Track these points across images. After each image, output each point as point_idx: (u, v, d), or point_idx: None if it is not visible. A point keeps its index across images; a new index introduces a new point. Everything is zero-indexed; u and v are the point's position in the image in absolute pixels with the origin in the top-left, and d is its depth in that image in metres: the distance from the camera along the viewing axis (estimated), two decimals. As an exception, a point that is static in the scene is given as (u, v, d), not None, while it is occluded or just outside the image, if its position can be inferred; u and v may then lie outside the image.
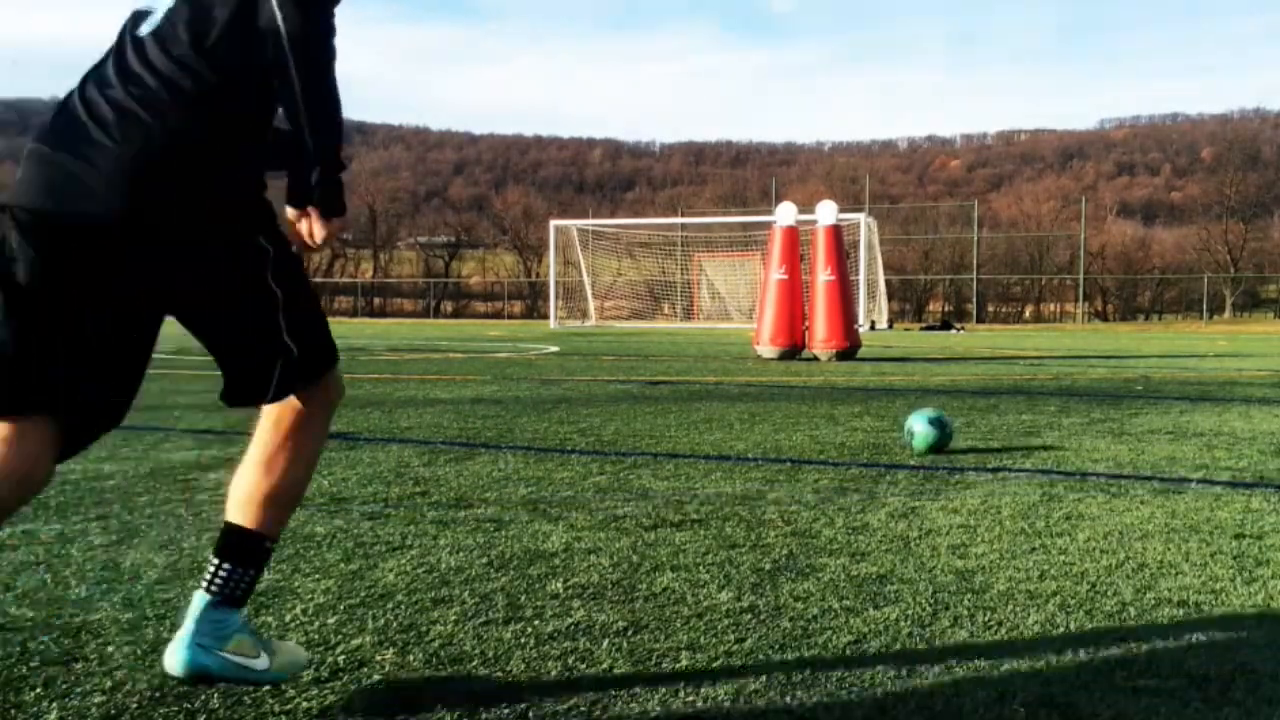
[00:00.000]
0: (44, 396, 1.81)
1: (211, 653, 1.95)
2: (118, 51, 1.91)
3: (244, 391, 2.01)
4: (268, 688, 2.06)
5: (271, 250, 1.95)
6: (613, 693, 2.08)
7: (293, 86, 1.85)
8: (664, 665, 2.22)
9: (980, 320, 48.62)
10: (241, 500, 2.03)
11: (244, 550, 2.01)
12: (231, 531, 2.02)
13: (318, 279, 78.13)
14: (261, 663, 1.98)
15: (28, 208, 1.81)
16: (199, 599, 1.99)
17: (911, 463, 4.90)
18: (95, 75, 1.90)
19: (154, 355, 2.03)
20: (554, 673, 2.18)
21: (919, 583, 2.86)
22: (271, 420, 2.05)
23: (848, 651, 2.31)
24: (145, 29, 1.90)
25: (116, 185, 1.80)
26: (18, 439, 1.80)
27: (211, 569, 2.00)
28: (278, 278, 1.96)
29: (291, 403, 2.03)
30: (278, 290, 1.96)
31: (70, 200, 1.80)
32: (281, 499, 2.05)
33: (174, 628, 2.41)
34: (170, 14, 1.88)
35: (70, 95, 1.90)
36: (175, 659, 1.95)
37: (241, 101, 1.90)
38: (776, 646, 2.34)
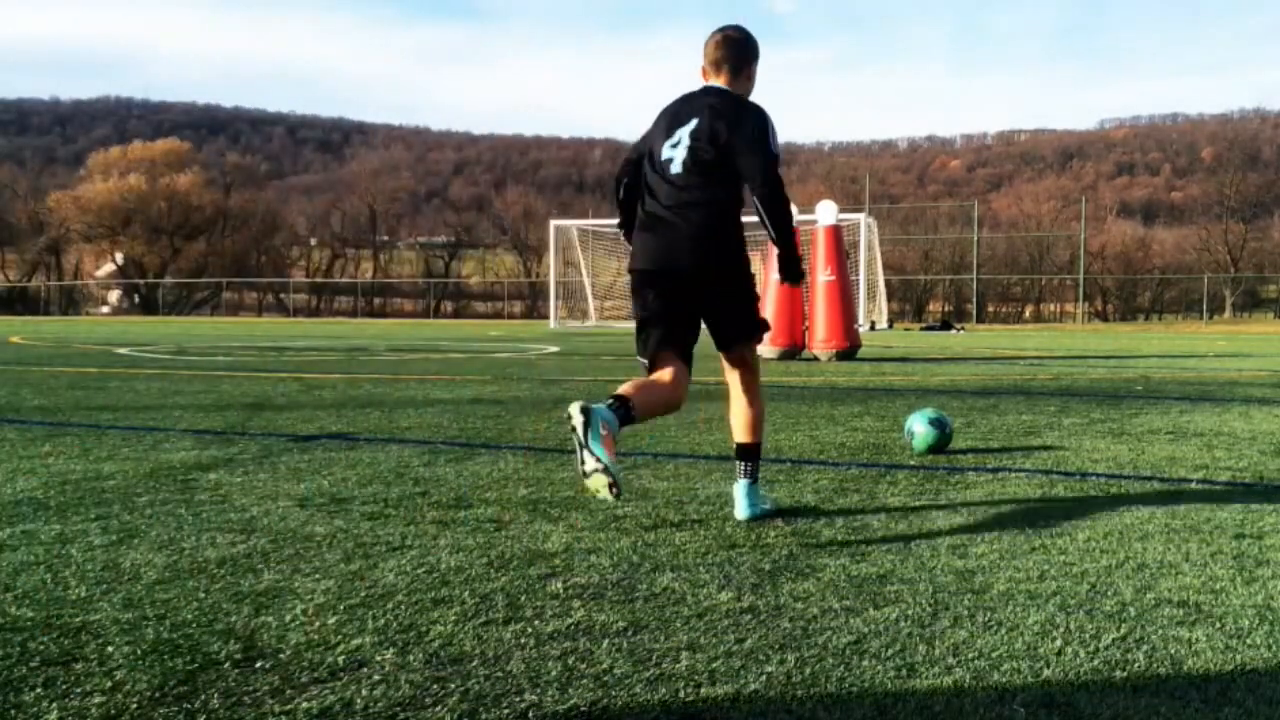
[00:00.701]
0: (683, 350, 3.59)
1: (760, 505, 3.68)
2: (662, 180, 3.61)
3: (732, 343, 3.74)
4: (267, 687, 2.07)
5: (750, 284, 3.70)
6: (613, 693, 2.08)
7: (766, 221, 3.55)
8: (664, 665, 2.22)
9: (980, 320, 48.63)
10: (740, 426, 3.73)
11: (751, 453, 3.70)
12: (741, 446, 3.71)
13: (318, 279, 78.21)
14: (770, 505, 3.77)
15: (642, 269, 3.64)
16: (742, 485, 3.66)
17: (911, 463, 4.90)
18: (652, 194, 3.63)
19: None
20: (554, 673, 2.18)
21: (919, 583, 2.85)
22: (738, 382, 3.75)
23: (848, 651, 2.31)
24: (674, 170, 3.59)
25: (686, 253, 3.55)
26: (684, 370, 3.58)
27: (743, 467, 3.67)
28: (755, 300, 3.75)
29: (746, 366, 3.75)
30: (758, 310, 3.76)
31: (663, 261, 3.58)
32: (757, 421, 3.73)
33: (174, 628, 2.42)
34: (686, 166, 3.57)
35: (644, 204, 3.66)
36: (742, 511, 3.63)
37: (733, 211, 3.62)
38: (776, 646, 2.33)
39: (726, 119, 3.53)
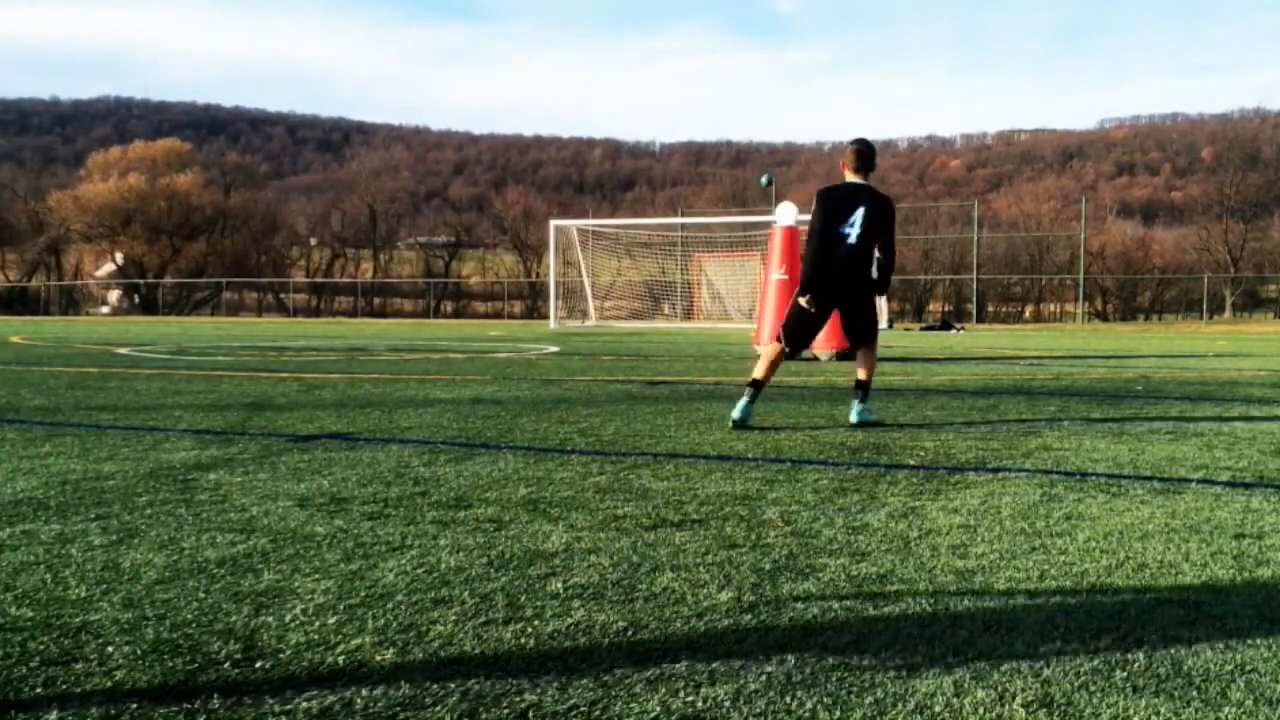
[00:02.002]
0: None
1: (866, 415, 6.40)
2: (841, 243, 6.22)
3: (860, 341, 6.51)
4: (267, 687, 2.08)
5: (872, 299, 6.56)
6: (613, 693, 2.08)
7: (885, 268, 6.37)
8: (664, 665, 2.22)
9: (980, 320, 48.62)
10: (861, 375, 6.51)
11: (865, 389, 6.50)
12: (859, 383, 6.49)
13: (318, 279, 78.21)
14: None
15: (818, 290, 6.34)
16: (856, 405, 6.41)
17: (911, 463, 4.90)
18: (834, 252, 6.24)
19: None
20: (554, 673, 2.18)
21: (919, 583, 2.85)
22: (863, 354, 6.52)
23: (848, 651, 2.31)
24: (852, 240, 6.21)
25: (851, 284, 6.35)
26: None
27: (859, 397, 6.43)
28: (873, 308, 6.60)
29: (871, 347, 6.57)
30: (874, 312, 6.61)
31: (839, 287, 6.34)
32: (869, 372, 6.55)
33: (174, 628, 2.42)
34: (861, 239, 6.24)
35: (833, 255, 6.24)
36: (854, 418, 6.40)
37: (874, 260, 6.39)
38: (776, 646, 2.34)
39: (879, 214, 6.24)
